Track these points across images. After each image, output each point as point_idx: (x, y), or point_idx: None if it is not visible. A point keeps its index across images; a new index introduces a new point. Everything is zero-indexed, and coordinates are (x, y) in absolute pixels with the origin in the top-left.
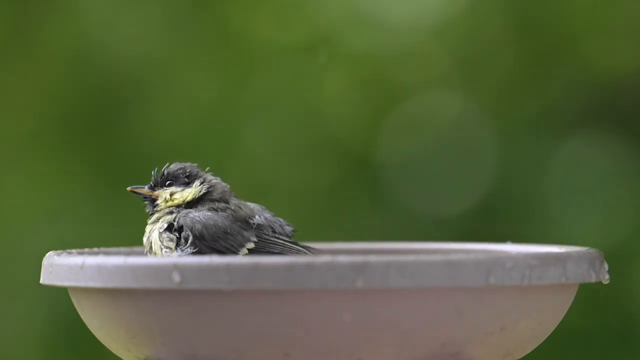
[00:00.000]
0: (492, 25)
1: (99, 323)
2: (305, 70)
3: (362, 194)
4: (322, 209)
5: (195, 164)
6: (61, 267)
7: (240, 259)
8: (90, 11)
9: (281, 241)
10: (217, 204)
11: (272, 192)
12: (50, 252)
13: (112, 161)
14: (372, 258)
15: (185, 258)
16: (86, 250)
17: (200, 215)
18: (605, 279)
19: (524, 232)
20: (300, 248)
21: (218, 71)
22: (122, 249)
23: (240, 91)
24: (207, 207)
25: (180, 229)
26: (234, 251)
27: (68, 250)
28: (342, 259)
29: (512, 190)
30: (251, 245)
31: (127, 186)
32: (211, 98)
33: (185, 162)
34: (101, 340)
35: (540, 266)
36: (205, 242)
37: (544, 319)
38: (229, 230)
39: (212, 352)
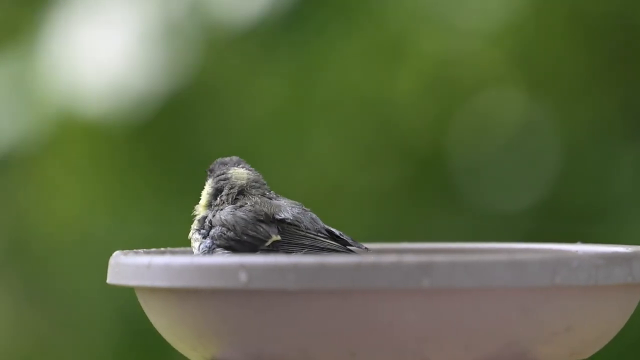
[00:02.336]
0: (558, 29)
1: (165, 322)
2: (374, 72)
3: (429, 194)
4: (389, 209)
5: (227, 158)
6: (128, 267)
7: (307, 258)
8: None
9: (311, 236)
10: (238, 201)
11: (340, 194)
12: (117, 251)
13: (180, 164)
14: (438, 258)
15: (252, 257)
16: (153, 250)
17: (225, 213)
18: None
19: (590, 232)
20: (332, 243)
21: (286, 73)
22: (189, 248)
23: (308, 93)
24: (229, 206)
25: (210, 228)
26: (258, 244)
27: (135, 250)
28: (409, 258)
29: (579, 190)
30: (276, 237)
31: (195, 188)
32: (279, 101)
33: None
34: (167, 340)
35: (607, 266)
36: (236, 234)
37: (610, 319)
38: (252, 223)
39: (279, 351)
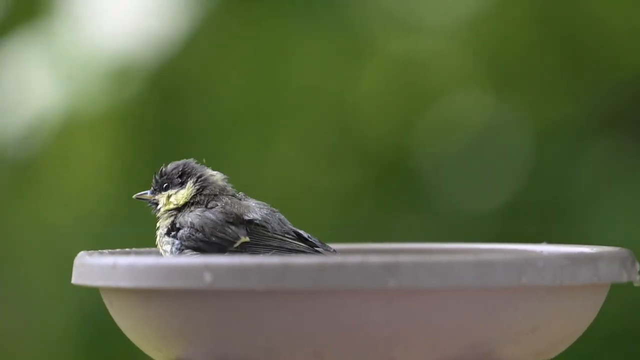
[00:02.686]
0: (523, 29)
1: (130, 323)
2: (337, 73)
3: (395, 195)
4: (354, 210)
5: (192, 160)
6: (93, 267)
7: (272, 259)
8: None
9: (279, 237)
10: (209, 202)
11: (304, 195)
12: (82, 252)
13: (145, 163)
14: (403, 258)
15: (217, 258)
16: (118, 250)
17: (193, 214)
18: (637, 279)
19: (556, 232)
20: (300, 244)
21: (252, 74)
22: (153, 249)
23: (271, 94)
24: (200, 207)
25: (178, 230)
26: (227, 245)
27: (100, 251)
28: (373, 259)
29: (545, 190)
30: (245, 239)
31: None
32: (245, 101)
33: (189, 159)
34: (132, 340)
35: (572, 266)
36: (204, 235)
37: (576, 319)
38: (220, 225)
39: (243, 352)
